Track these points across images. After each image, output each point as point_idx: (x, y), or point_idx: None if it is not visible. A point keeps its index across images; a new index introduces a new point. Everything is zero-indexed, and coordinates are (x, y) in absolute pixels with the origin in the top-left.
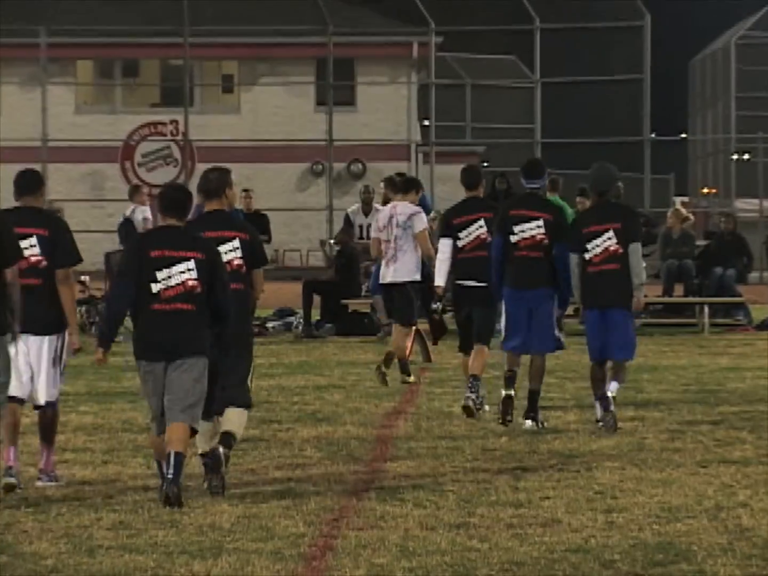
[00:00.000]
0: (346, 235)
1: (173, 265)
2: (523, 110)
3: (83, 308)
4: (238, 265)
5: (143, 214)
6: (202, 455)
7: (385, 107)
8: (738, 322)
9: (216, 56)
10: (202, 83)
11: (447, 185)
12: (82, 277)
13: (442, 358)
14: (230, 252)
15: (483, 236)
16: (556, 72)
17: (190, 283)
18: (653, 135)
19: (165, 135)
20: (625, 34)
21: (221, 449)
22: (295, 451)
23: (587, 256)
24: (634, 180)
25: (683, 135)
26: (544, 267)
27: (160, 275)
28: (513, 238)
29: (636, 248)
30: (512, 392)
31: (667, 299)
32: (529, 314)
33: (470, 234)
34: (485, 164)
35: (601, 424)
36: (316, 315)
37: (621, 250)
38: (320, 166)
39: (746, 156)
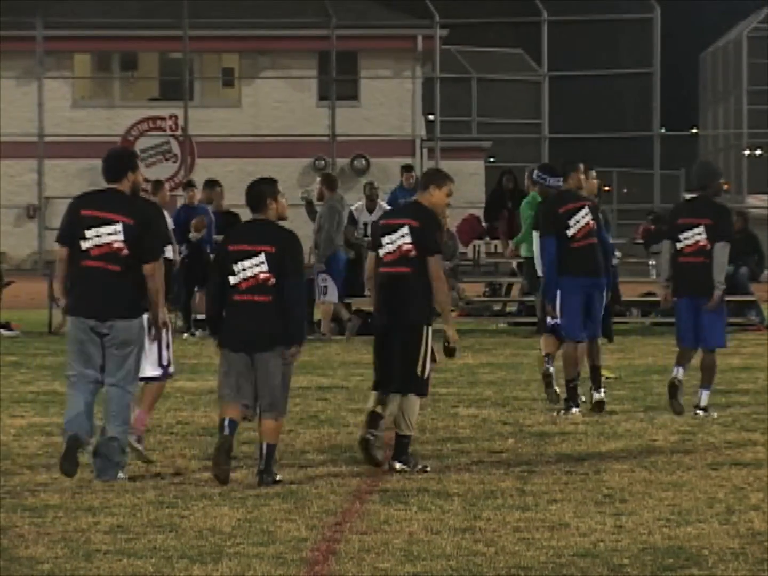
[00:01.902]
0: (350, 232)
1: (248, 258)
2: (530, 105)
3: None
4: (264, 278)
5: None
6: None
7: (389, 102)
8: (750, 321)
9: (216, 49)
10: (202, 77)
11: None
12: None
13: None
14: (256, 266)
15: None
16: (564, 65)
17: (262, 275)
18: (663, 130)
19: (164, 130)
20: (634, 27)
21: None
22: (297, 453)
23: (679, 246)
24: (643, 176)
25: (694, 130)
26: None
27: (236, 268)
28: (570, 232)
29: (722, 246)
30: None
31: (676, 298)
32: (585, 302)
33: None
34: (492, 159)
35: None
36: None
37: (709, 246)
38: (323, 162)
39: (758, 151)
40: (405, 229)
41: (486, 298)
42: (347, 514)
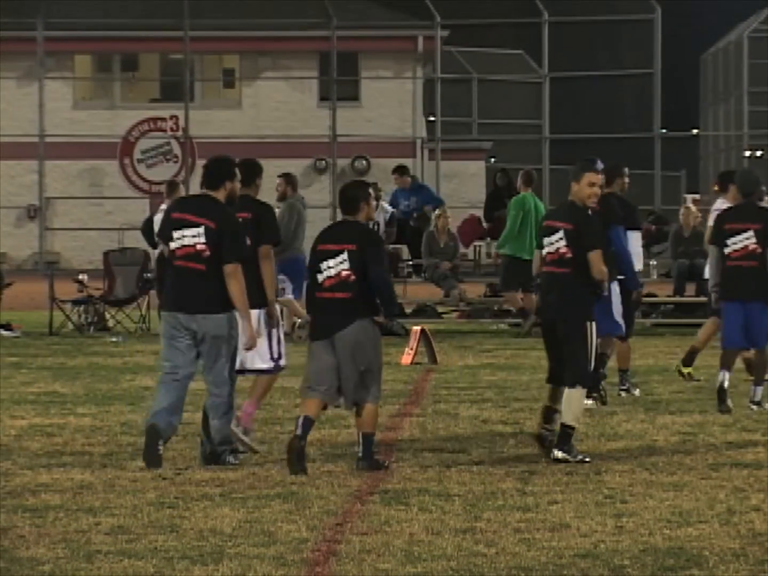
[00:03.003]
0: None
1: (331, 257)
2: (531, 105)
3: (81, 307)
4: (346, 275)
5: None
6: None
7: (390, 102)
8: None
9: (217, 50)
10: (202, 78)
11: (453, 182)
12: (80, 276)
13: (448, 359)
14: (339, 264)
15: None
16: (565, 66)
17: (344, 273)
18: (664, 131)
19: (165, 131)
20: (635, 28)
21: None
22: None
23: (727, 250)
24: (644, 177)
25: (694, 131)
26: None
27: (323, 266)
28: None
29: None
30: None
31: (678, 299)
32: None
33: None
34: (492, 160)
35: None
36: None
37: (759, 250)
38: (323, 163)
39: (759, 153)
40: (560, 234)
41: (487, 299)
42: (348, 515)
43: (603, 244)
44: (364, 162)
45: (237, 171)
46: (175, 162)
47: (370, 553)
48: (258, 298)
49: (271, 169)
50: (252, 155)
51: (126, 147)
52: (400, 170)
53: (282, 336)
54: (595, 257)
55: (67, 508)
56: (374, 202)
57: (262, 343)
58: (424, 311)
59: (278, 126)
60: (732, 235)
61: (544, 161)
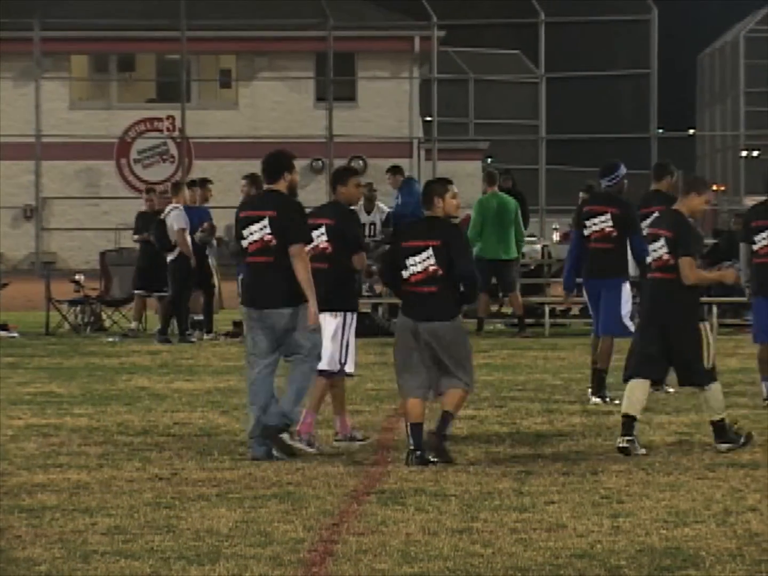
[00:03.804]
0: None
1: (416, 253)
2: (528, 106)
3: (77, 308)
4: (433, 270)
5: (177, 222)
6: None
7: (387, 103)
8: (747, 322)
9: (213, 50)
10: (199, 78)
11: None
12: (77, 276)
13: None
14: (425, 260)
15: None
16: (561, 67)
17: (431, 269)
18: (660, 131)
19: (161, 131)
20: (631, 28)
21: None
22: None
23: (755, 247)
24: (640, 177)
25: (691, 131)
26: (613, 258)
27: (408, 262)
28: (585, 232)
29: None
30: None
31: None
32: (598, 301)
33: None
34: (489, 160)
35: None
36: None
37: None
38: (320, 163)
39: (755, 153)
40: (662, 241)
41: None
42: (344, 515)
43: (698, 251)
44: (360, 162)
45: (293, 162)
46: (172, 162)
47: (366, 553)
48: (331, 302)
49: None
50: (249, 155)
51: (122, 147)
52: (393, 170)
53: (352, 342)
54: (685, 263)
55: (64, 508)
56: (454, 200)
57: (332, 345)
58: None
59: (275, 126)
60: (759, 232)
61: (541, 161)
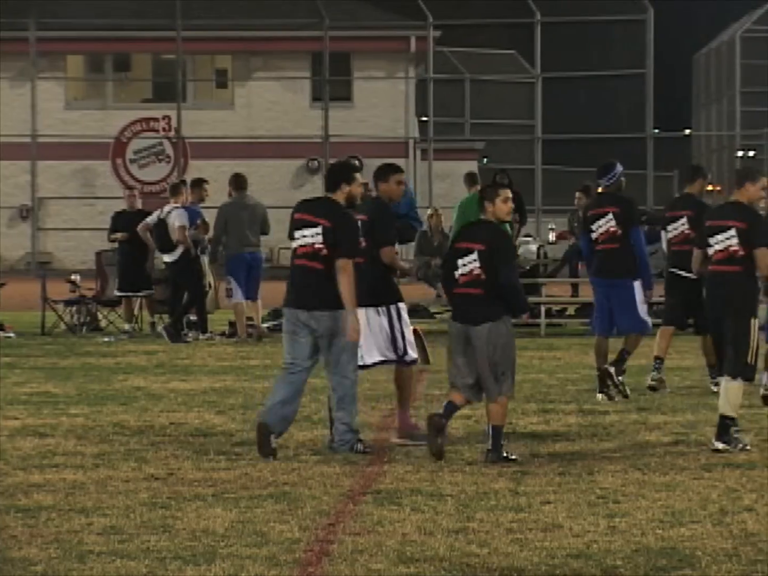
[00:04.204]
0: None
1: (464, 255)
2: (524, 106)
3: (73, 308)
4: (477, 274)
5: (179, 220)
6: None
7: (383, 103)
8: None
9: (209, 50)
10: (195, 78)
11: (445, 182)
12: (73, 276)
13: (441, 359)
14: (472, 263)
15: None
16: (557, 67)
17: (475, 271)
18: (656, 131)
19: (157, 131)
20: (627, 28)
21: None
22: (290, 454)
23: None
24: (636, 177)
25: (687, 131)
26: (621, 257)
27: (459, 263)
28: (593, 235)
29: None
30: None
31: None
32: (609, 300)
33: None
34: (485, 160)
35: None
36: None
37: None
38: (316, 163)
39: (751, 153)
40: (732, 232)
41: None
42: (340, 516)
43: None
44: (356, 162)
45: (356, 175)
46: (168, 162)
47: (362, 553)
48: (373, 297)
49: (264, 170)
50: (244, 155)
51: (118, 147)
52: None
53: (405, 330)
54: (765, 254)
55: (60, 508)
56: (504, 205)
57: (383, 338)
58: (416, 311)
59: (270, 126)
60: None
61: (537, 161)
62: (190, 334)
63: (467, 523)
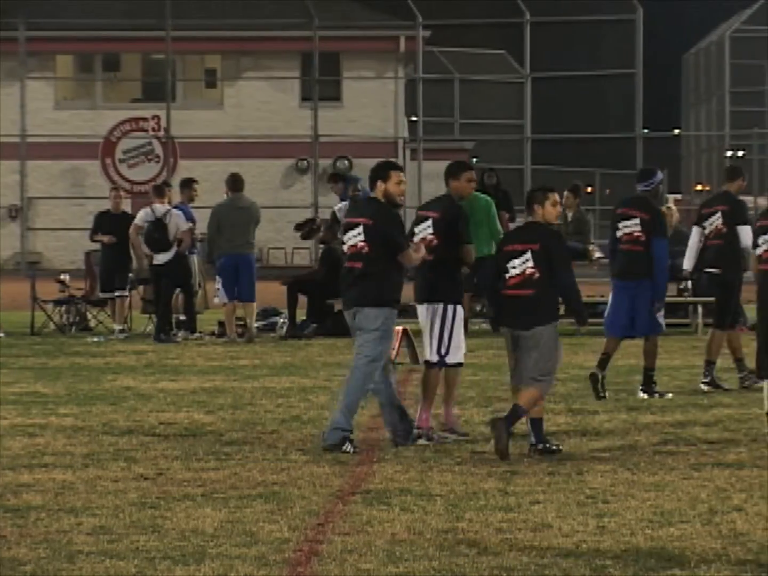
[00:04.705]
0: (332, 233)
1: (516, 257)
2: (513, 105)
3: (63, 308)
4: (530, 273)
5: (185, 222)
6: None
7: (372, 103)
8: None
9: (199, 50)
10: (184, 78)
11: (435, 182)
12: (62, 276)
13: None
14: (524, 263)
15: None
16: (546, 66)
17: (528, 271)
18: (645, 131)
19: (146, 131)
20: (617, 28)
21: None
22: (279, 454)
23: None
24: (625, 177)
25: (676, 131)
26: (643, 260)
27: (509, 266)
28: (617, 234)
29: None
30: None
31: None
32: (630, 302)
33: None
34: (475, 160)
35: None
36: (301, 315)
37: None
38: (305, 163)
39: (740, 153)
40: None
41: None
42: (330, 515)
43: None
44: (346, 162)
45: (393, 173)
46: (157, 162)
47: (351, 553)
48: (434, 293)
49: (254, 169)
50: (234, 155)
51: (108, 147)
52: (334, 177)
53: (454, 331)
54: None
55: (49, 508)
56: (553, 208)
57: (433, 337)
58: (405, 311)
59: (260, 126)
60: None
61: (526, 161)
62: (179, 334)
63: (456, 523)
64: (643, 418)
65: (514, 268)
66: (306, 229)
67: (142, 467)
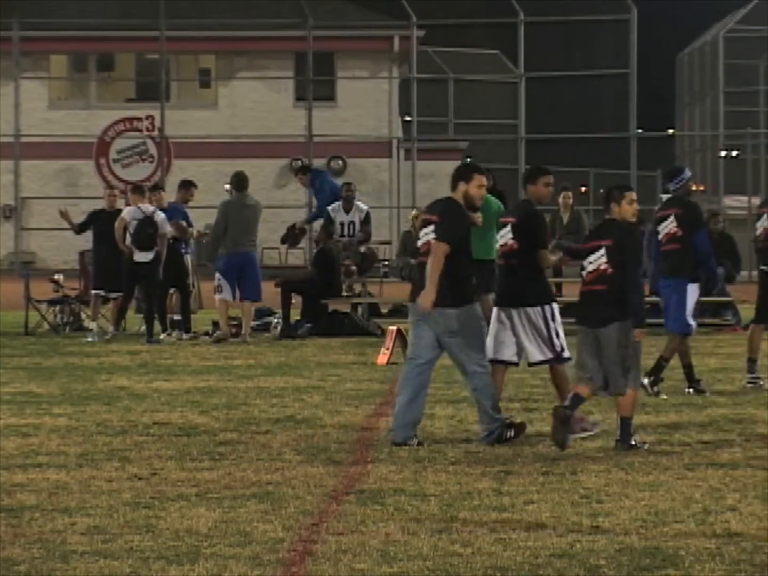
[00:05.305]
0: (326, 233)
1: (593, 252)
2: (507, 105)
3: (57, 307)
4: (604, 269)
5: (166, 225)
6: None
7: (366, 102)
8: (726, 322)
9: (193, 50)
10: (178, 78)
11: (429, 182)
12: (56, 276)
13: None
14: (599, 259)
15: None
16: (541, 67)
17: (602, 266)
18: (640, 131)
19: (140, 131)
20: (611, 28)
21: None
22: (273, 454)
23: None
24: (620, 176)
25: (670, 131)
26: (679, 258)
27: (585, 262)
28: (659, 237)
29: None
30: None
31: (654, 299)
32: (667, 299)
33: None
34: (468, 160)
35: None
36: (295, 315)
37: None
38: (299, 163)
39: (734, 153)
40: None
41: None
42: (324, 515)
43: None
44: (340, 162)
45: (476, 175)
46: (151, 162)
47: (346, 553)
48: (528, 297)
49: (248, 169)
50: (228, 155)
51: (102, 147)
52: (303, 169)
53: (559, 330)
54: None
55: (43, 508)
56: (630, 206)
57: (541, 339)
58: (400, 311)
59: (254, 126)
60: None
61: (520, 161)
62: (173, 334)
63: (451, 523)
64: (637, 418)
65: (590, 263)
66: (290, 238)
67: (136, 467)
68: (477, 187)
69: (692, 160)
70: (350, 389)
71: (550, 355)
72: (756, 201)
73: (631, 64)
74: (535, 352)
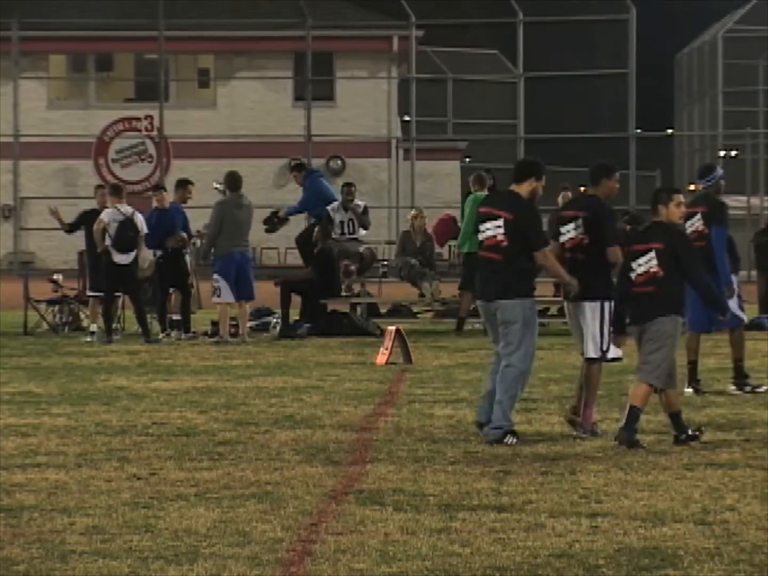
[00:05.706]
0: (324, 233)
1: (643, 255)
2: (506, 105)
3: (56, 307)
4: (654, 272)
5: (145, 226)
6: None
7: (365, 102)
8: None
9: (192, 50)
10: (177, 78)
11: (428, 181)
12: (55, 276)
13: (423, 359)
14: (649, 261)
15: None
16: (539, 66)
17: (653, 270)
18: (638, 131)
19: (139, 130)
20: (610, 28)
21: None
22: (272, 454)
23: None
24: (619, 176)
25: (669, 131)
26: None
27: (634, 265)
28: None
29: None
30: None
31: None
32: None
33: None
34: (467, 160)
35: None
36: (294, 315)
37: None
38: (296, 161)
39: (733, 152)
40: None
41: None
42: (323, 515)
43: None
44: (339, 162)
45: (542, 171)
46: (150, 162)
47: (345, 553)
48: (589, 291)
49: (247, 169)
50: (227, 155)
51: (101, 147)
52: (298, 167)
53: (607, 327)
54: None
55: (42, 508)
56: (677, 208)
57: (595, 333)
58: (398, 311)
59: (253, 126)
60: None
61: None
62: (173, 334)
63: (450, 523)
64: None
65: (640, 266)
66: (269, 222)
67: (135, 467)
68: (542, 186)
69: (691, 160)
70: (349, 389)
71: (597, 353)
72: (755, 201)
73: (630, 64)
74: (590, 347)
